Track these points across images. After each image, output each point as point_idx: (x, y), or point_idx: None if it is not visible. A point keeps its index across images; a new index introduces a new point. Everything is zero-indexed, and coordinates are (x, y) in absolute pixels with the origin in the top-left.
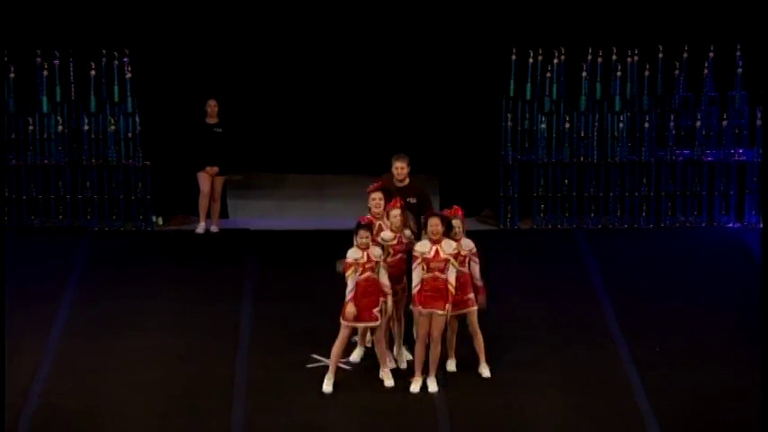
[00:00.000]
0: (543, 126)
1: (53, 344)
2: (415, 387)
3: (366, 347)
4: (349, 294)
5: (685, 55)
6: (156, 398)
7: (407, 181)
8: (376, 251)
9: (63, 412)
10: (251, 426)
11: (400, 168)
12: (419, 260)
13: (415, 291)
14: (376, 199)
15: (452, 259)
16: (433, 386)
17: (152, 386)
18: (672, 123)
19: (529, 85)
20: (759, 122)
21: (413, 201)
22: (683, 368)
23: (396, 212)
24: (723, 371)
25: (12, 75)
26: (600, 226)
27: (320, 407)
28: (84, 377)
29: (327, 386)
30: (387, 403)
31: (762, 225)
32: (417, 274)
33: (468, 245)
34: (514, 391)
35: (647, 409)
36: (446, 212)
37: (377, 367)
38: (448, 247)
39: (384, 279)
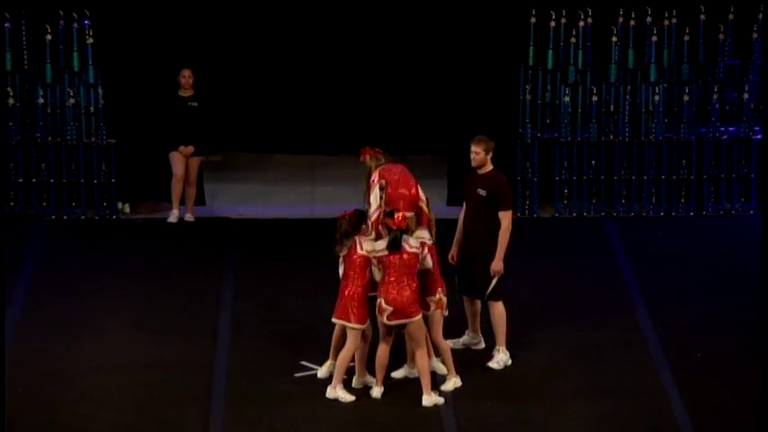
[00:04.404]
0: (567, 99)
1: (4, 349)
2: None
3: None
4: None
5: (731, 16)
6: (121, 410)
7: (486, 169)
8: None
9: (16, 427)
10: None
11: (474, 153)
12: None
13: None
14: None
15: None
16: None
17: (117, 396)
18: (715, 96)
19: (551, 51)
20: None
21: (482, 193)
22: (726, 376)
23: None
24: None
25: None
26: (632, 214)
27: (309, 419)
28: (40, 387)
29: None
30: (387, 415)
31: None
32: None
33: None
34: (532, 400)
35: (685, 421)
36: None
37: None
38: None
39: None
